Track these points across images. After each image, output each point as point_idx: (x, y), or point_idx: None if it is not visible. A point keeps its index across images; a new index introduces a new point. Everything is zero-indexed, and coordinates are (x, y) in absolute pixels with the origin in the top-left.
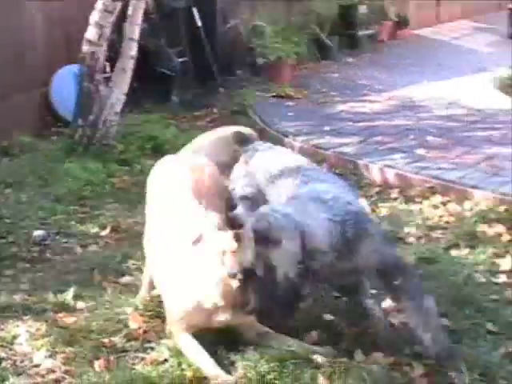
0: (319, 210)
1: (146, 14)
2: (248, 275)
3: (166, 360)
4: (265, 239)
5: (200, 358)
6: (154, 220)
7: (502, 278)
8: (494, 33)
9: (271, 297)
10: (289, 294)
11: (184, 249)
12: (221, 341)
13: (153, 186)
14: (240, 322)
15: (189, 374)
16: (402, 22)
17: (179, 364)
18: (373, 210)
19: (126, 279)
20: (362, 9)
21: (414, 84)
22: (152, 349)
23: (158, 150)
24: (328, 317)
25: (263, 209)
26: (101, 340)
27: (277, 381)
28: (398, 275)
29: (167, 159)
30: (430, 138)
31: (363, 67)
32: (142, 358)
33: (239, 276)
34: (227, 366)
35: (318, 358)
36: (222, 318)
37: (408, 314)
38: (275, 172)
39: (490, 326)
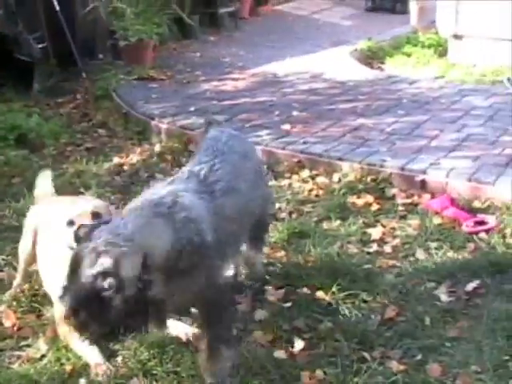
0: (167, 230)
1: None
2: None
3: (43, 356)
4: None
5: (84, 348)
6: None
7: (374, 247)
8: (352, 6)
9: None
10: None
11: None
12: None
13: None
14: None
15: (68, 367)
16: None
17: (57, 359)
18: None
19: None
20: None
21: (276, 60)
22: (28, 346)
23: (23, 140)
24: None
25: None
26: None
27: (158, 367)
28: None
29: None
30: (294, 112)
31: (225, 45)
32: (19, 356)
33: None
34: (108, 357)
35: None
36: None
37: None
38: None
39: (364, 296)
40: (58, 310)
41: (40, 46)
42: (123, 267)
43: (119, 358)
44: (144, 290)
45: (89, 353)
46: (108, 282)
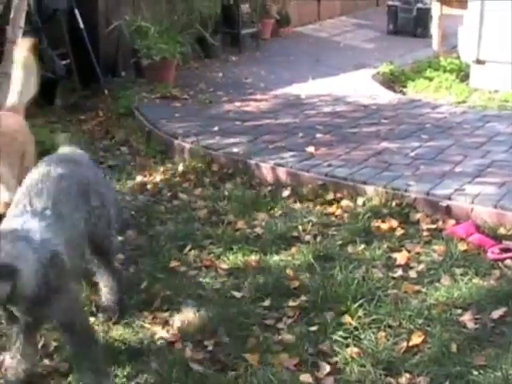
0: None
1: (27, 15)
2: None
3: None
4: None
5: None
6: None
7: (399, 272)
8: (373, 29)
9: None
10: None
11: None
12: None
13: None
14: None
15: None
16: (283, 20)
17: None
18: (267, 210)
19: None
20: (245, 7)
21: (298, 81)
22: None
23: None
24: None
25: None
26: None
27: None
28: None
29: None
30: (318, 135)
31: (247, 66)
32: None
33: None
34: None
35: None
36: None
37: None
38: None
39: (390, 321)
40: None
41: (63, 62)
42: None
43: None
44: None
45: None
46: None
